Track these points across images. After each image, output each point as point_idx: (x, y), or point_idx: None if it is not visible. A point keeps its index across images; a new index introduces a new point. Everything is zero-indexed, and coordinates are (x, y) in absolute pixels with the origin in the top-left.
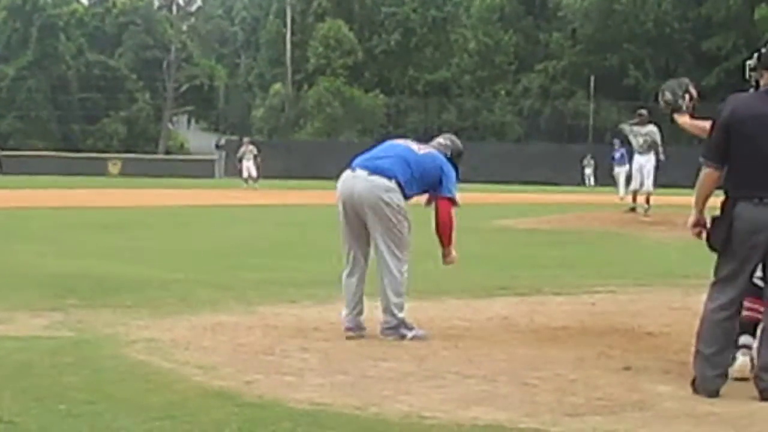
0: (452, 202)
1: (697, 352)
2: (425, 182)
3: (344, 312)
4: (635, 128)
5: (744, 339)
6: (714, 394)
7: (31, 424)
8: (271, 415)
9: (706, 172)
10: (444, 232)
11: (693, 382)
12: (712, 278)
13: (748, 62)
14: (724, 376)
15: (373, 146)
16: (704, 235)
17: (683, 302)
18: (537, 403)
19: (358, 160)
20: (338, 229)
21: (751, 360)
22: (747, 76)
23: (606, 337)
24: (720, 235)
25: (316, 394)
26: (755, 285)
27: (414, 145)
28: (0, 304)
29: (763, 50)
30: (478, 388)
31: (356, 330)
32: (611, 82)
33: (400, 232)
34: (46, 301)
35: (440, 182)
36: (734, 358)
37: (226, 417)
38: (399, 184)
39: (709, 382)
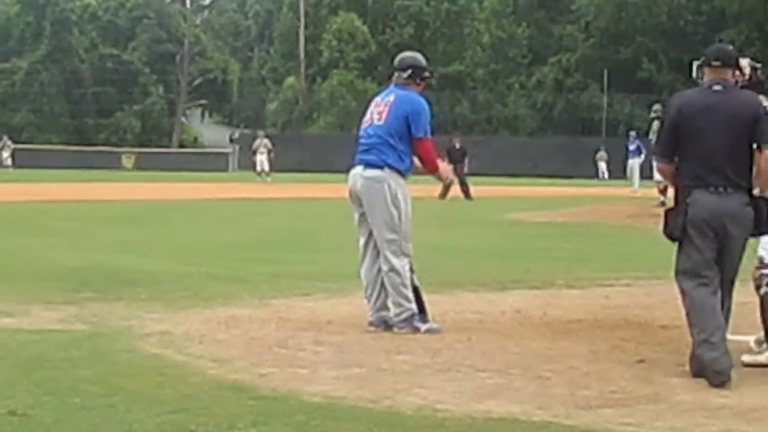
0: (426, 139)
1: (699, 341)
2: (407, 136)
3: (368, 308)
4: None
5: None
6: (727, 372)
7: (45, 417)
8: (285, 408)
9: (659, 167)
10: (432, 170)
11: (691, 364)
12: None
13: (695, 63)
14: (727, 354)
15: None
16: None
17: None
18: (550, 395)
19: (358, 155)
20: (352, 223)
21: None
22: (694, 74)
23: (620, 330)
24: (677, 224)
25: (330, 387)
26: None
27: (376, 115)
28: (14, 297)
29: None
30: (491, 381)
31: (379, 326)
32: (625, 75)
33: (397, 224)
34: (60, 294)
35: (410, 125)
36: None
37: (240, 410)
38: (392, 168)
39: (717, 362)
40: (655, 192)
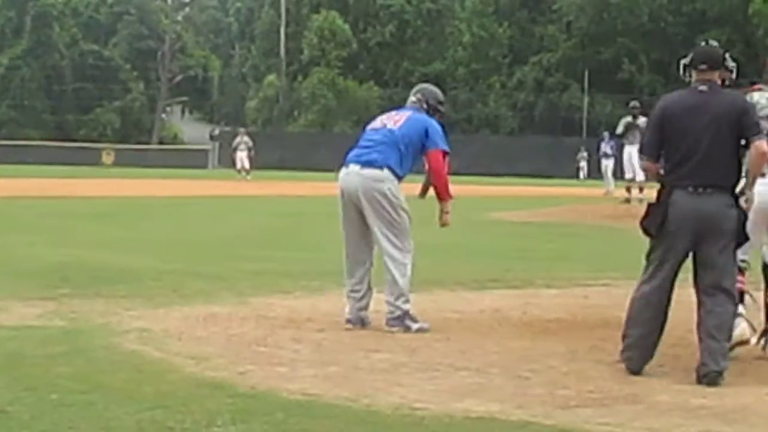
0: (443, 152)
1: (625, 336)
2: (415, 150)
3: (347, 307)
4: (632, 121)
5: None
6: (637, 373)
7: (23, 414)
8: (263, 405)
9: (642, 165)
10: (440, 182)
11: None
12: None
13: (683, 61)
14: (650, 357)
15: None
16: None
17: (676, 295)
18: (529, 395)
19: (350, 155)
20: (338, 224)
21: (749, 325)
22: (682, 73)
23: (598, 330)
24: (655, 220)
25: (309, 385)
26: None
27: (391, 123)
28: None
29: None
30: (470, 380)
31: (357, 324)
32: (605, 75)
33: (399, 223)
34: (39, 290)
35: (427, 138)
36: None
37: (219, 407)
38: (392, 170)
39: (634, 362)
40: (635, 192)
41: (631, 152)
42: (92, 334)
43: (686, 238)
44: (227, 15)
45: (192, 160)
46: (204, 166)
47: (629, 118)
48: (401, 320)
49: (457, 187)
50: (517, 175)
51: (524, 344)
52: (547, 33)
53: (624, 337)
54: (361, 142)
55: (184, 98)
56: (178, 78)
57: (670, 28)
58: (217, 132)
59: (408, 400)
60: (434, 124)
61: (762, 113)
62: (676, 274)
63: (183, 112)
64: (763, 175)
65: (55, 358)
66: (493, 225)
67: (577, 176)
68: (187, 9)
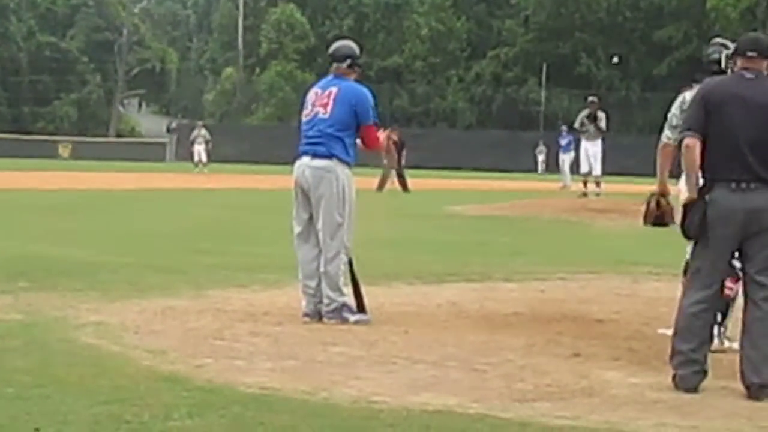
0: (375, 125)
1: (674, 349)
2: (352, 130)
3: (303, 301)
4: (589, 115)
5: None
6: (693, 390)
7: None
8: (220, 399)
9: (687, 142)
10: (374, 146)
11: (673, 378)
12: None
13: (726, 52)
14: (704, 372)
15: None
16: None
17: (632, 289)
18: (486, 388)
19: (300, 148)
20: (291, 216)
21: (721, 334)
22: (724, 65)
23: (555, 323)
24: (695, 222)
25: (266, 379)
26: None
27: (321, 108)
28: None
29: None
30: (427, 374)
31: (314, 317)
32: (563, 69)
33: (343, 216)
34: None
35: (357, 115)
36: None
37: (176, 401)
38: (339, 159)
39: (688, 379)
40: (591, 186)
41: (587, 147)
42: (49, 327)
43: (731, 238)
44: (185, 7)
45: (149, 153)
46: (161, 159)
47: (587, 112)
48: (339, 312)
49: (414, 180)
50: (475, 169)
51: (482, 338)
52: (505, 27)
53: (674, 352)
54: (304, 132)
55: (142, 91)
56: (136, 70)
57: (628, 23)
58: (174, 125)
59: (365, 393)
60: (360, 96)
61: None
62: (725, 280)
63: (140, 104)
64: None
65: (11, 351)
66: (451, 219)
67: (535, 170)
68: (144, 1)
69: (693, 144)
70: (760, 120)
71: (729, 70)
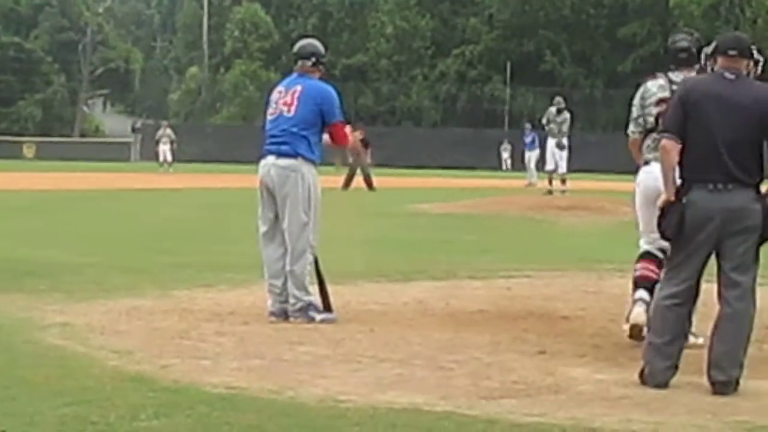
0: (342, 123)
1: (649, 342)
2: (318, 129)
3: (269, 300)
4: (554, 116)
5: (640, 293)
6: (663, 385)
7: None
8: (186, 399)
9: (665, 144)
10: (343, 143)
11: (641, 373)
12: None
13: (705, 50)
14: (675, 367)
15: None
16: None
17: (598, 286)
18: (452, 386)
19: (265, 147)
20: (257, 216)
21: (646, 310)
22: (703, 63)
23: (521, 321)
24: (672, 222)
25: (232, 378)
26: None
27: (284, 107)
28: None
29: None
30: (393, 372)
31: (280, 316)
32: (528, 67)
33: (308, 215)
34: None
35: (322, 114)
36: (631, 310)
37: (142, 401)
38: (305, 158)
39: (658, 373)
40: (557, 183)
41: (553, 145)
42: (14, 329)
43: (708, 239)
44: (149, 7)
45: (114, 153)
46: (126, 159)
47: (553, 109)
48: (305, 311)
49: (379, 179)
50: (440, 167)
51: (448, 335)
52: (470, 25)
53: (646, 346)
54: (269, 132)
55: (106, 91)
56: (100, 70)
57: (592, 20)
58: (139, 125)
59: (332, 392)
60: (325, 94)
61: (650, 100)
62: (700, 277)
63: (105, 104)
64: (647, 163)
65: None
66: (417, 217)
67: (500, 168)
68: (108, 1)
69: (671, 146)
70: (738, 121)
71: (710, 69)
